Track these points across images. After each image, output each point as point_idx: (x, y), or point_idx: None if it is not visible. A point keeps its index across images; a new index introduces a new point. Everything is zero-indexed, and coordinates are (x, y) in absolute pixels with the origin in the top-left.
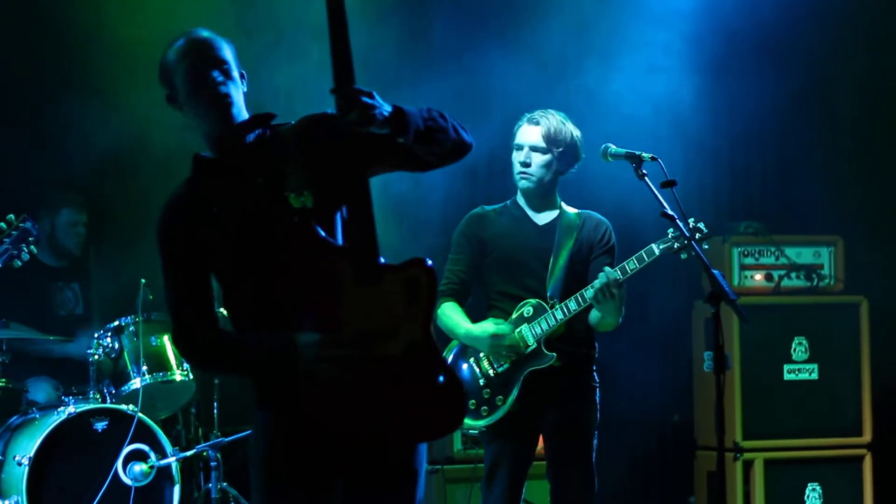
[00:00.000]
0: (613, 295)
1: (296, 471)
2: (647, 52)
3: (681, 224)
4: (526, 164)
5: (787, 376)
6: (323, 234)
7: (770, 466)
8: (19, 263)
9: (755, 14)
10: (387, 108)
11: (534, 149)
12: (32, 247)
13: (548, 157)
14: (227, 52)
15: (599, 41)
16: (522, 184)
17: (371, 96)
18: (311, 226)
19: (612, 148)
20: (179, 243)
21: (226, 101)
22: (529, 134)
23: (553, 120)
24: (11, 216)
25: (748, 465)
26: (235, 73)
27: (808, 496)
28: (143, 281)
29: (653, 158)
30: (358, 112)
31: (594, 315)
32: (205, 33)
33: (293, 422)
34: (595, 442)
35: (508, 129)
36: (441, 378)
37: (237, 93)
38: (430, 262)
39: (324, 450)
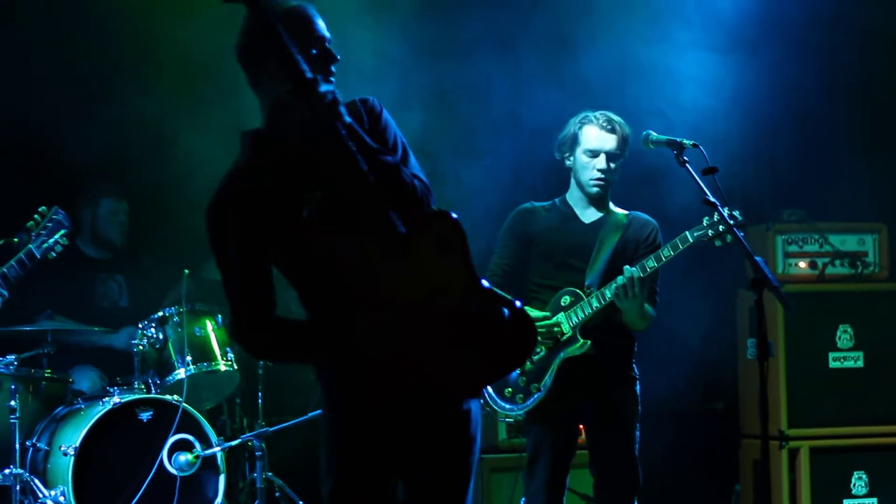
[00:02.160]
0: (635, 294)
1: (361, 430)
2: (686, 35)
3: (723, 211)
4: (603, 171)
5: (832, 364)
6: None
7: (816, 455)
8: (54, 255)
9: None
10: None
11: (610, 156)
12: (65, 238)
13: (620, 162)
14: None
15: (644, 18)
16: (595, 190)
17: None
18: (364, 203)
19: (654, 135)
20: (233, 230)
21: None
22: (606, 141)
23: (623, 127)
24: (43, 208)
25: (794, 454)
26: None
27: (854, 484)
28: (186, 272)
29: (694, 146)
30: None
31: (624, 315)
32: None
33: (356, 382)
34: (637, 434)
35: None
36: (505, 310)
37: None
38: (454, 215)
39: (388, 409)
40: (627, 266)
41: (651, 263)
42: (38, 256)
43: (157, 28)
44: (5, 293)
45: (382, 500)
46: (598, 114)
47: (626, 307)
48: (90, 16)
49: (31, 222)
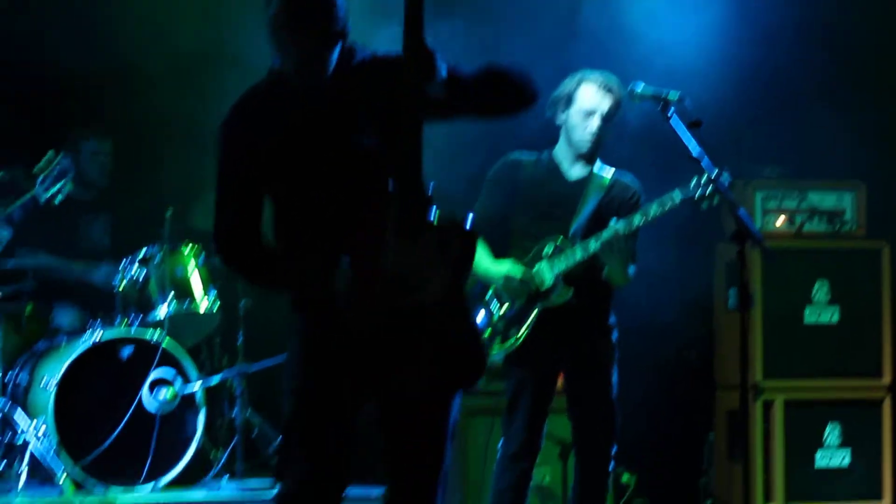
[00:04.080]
0: (620, 248)
1: (327, 371)
2: None
3: (706, 166)
4: (597, 131)
5: (807, 319)
6: (379, 177)
7: (790, 407)
8: (59, 200)
9: None
10: (443, 70)
11: (605, 117)
12: (69, 185)
13: (613, 122)
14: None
15: None
16: (587, 147)
17: (433, 55)
18: (371, 165)
19: (639, 88)
20: (239, 148)
21: (322, 69)
22: (602, 101)
23: (620, 88)
24: (50, 153)
25: (768, 405)
26: (339, 28)
27: (827, 436)
28: (168, 211)
29: (680, 99)
30: (417, 68)
31: (605, 270)
32: None
33: (327, 326)
34: (615, 379)
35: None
36: (458, 340)
37: (334, 51)
38: (468, 226)
39: (356, 359)
40: (613, 219)
41: (637, 219)
42: (42, 203)
43: None
44: (6, 234)
45: (340, 427)
46: (595, 74)
47: (611, 261)
48: None
49: (37, 168)
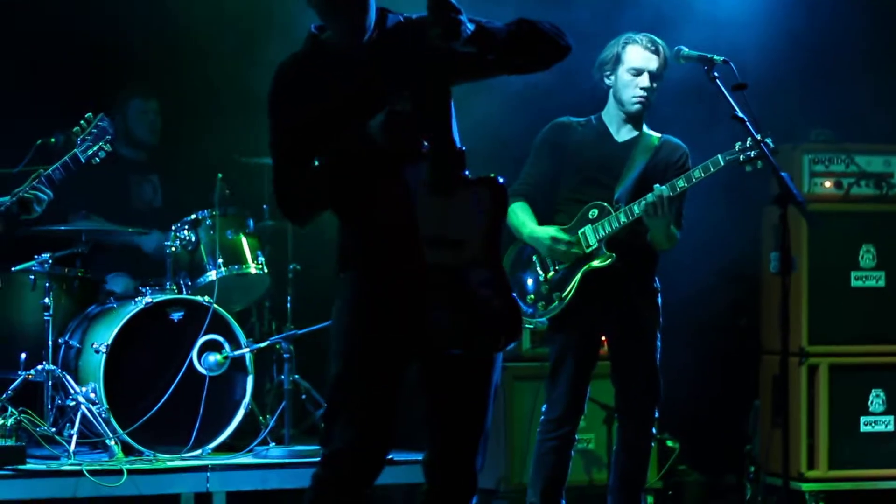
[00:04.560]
0: (664, 212)
1: (372, 332)
2: None
3: (750, 126)
4: (646, 89)
5: (854, 283)
6: (412, 135)
7: (835, 372)
8: (97, 160)
9: None
10: (469, 28)
11: (653, 76)
12: (109, 145)
13: (659, 83)
14: None
15: None
16: (636, 107)
17: (458, 14)
18: (403, 125)
19: (685, 50)
20: (284, 114)
21: (362, 28)
22: (650, 61)
23: (665, 48)
24: (90, 115)
25: (813, 371)
26: None
27: (871, 402)
28: (220, 175)
29: (724, 62)
30: (443, 28)
31: (649, 235)
32: None
33: (374, 283)
34: (658, 344)
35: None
36: (494, 299)
37: (370, 12)
38: (501, 180)
39: (401, 317)
40: (657, 184)
41: (681, 183)
42: (83, 161)
43: None
44: (50, 193)
45: (385, 390)
46: (641, 35)
47: (654, 225)
48: None
49: (77, 127)
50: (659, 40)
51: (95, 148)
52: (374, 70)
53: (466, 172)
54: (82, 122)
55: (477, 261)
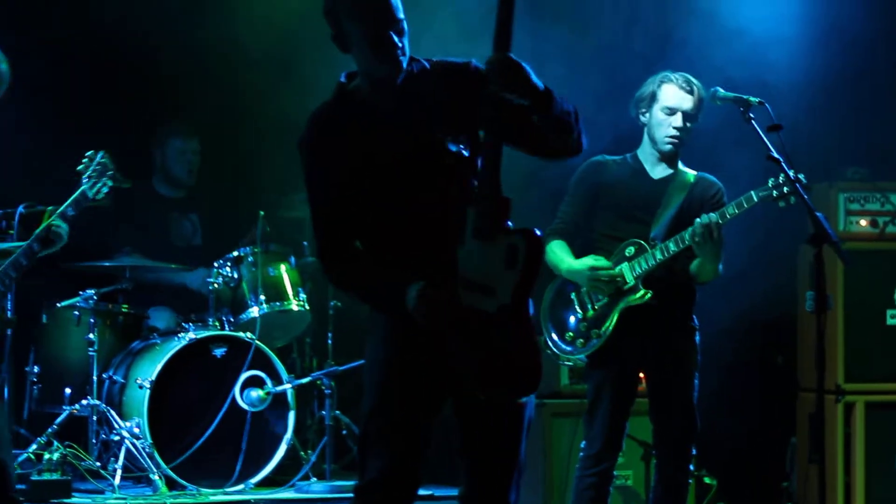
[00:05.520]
0: (713, 237)
1: (405, 369)
2: None
3: (786, 167)
4: (679, 129)
5: (889, 321)
6: (454, 179)
7: (871, 410)
8: (101, 196)
9: None
10: (538, 84)
11: (687, 116)
12: (110, 181)
13: (695, 124)
14: (400, 5)
15: None
16: (668, 147)
17: (522, 68)
18: (453, 168)
19: (721, 91)
20: (320, 162)
21: (399, 62)
22: (684, 100)
23: (700, 89)
24: (91, 152)
25: (849, 408)
26: (406, 25)
27: None
28: (261, 213)
29: (760, 103)
30: (505, 79)
31: (695, 264)
32: None
33: (405, 326)
34: (696, 382)
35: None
36: (517, 351)
37: (406, 46)
38: (538, 233)
39: (432, 352)
40: (704, 214)
41: (714, 219)
42: (91, 197)
43: None
44: (67, 228)
45: (416, 421)
46: (677, 74)
47: (705, 252)
48: None
49: (81, 166)
50: (695, 81)
51: (100, 184)
52: (409, 112)
53: (509, 223)
54: (84, 160)
55: (506, 310)
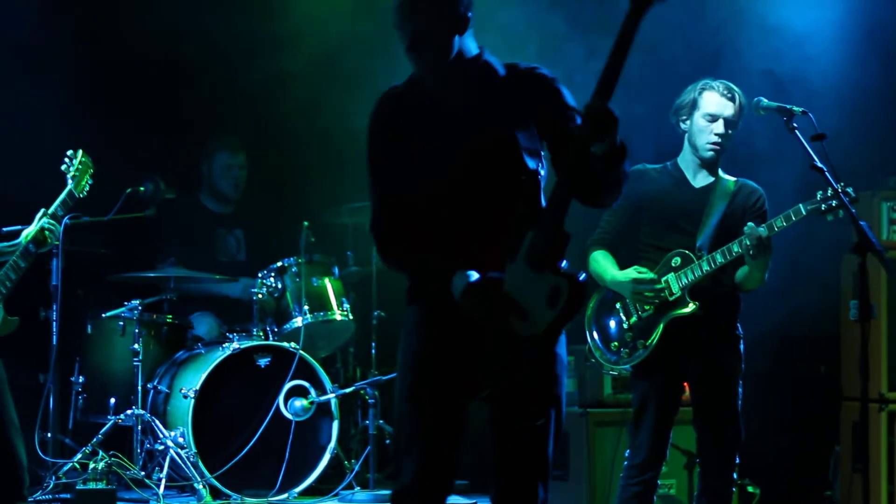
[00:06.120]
0: (765, 248)
1: (436, 367)
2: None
3: (830, 177)
4: (720, 136)
5: None
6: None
7: None
8: (85, 194)
9: None
10: (616, 138)
11: (728, 123)
12: (91, 178)
13: (735, 131)
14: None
15: None
16: (709, 154)
17: (616, 120)
18: (523, 183)
19: (764, 101)
20: (381, 141)
21: (436, 67)
22: (726, 107)
23: (741, 96)
24: (71, 152)
25: (893, 417)
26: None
27: None
28: (305, 223)
29: (803, 113)
30: (600, 128)
31: (741, 272)
32: None
33: (437, 323)
34: (740, 391)
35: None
36: (534, 379)
37: (450, 35)
38: (582, 278)
39: (460, 354)
40: (752, 224)
41: (762, 232)
42: (77, 195)
43: None
44: (59, 229)
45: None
46: (718, 81)
47: (755, 264)
48: None
49: (64, 166)
50: (736, 88)
51: (83, 182)
52: (473, 108)
53: (564, 262)
54: (65, 160)
55: (535, 340)
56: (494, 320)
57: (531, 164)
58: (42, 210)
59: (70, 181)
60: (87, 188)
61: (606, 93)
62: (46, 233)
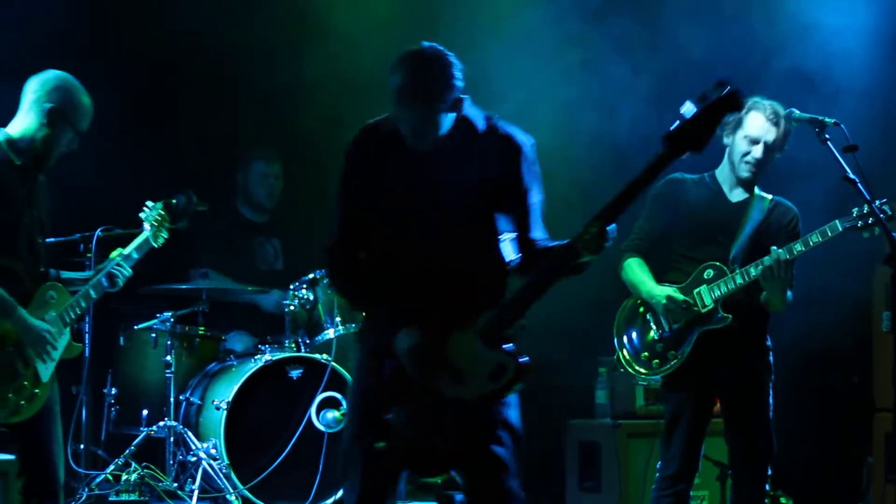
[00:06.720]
0: (782, 275)
1: (371, 405)
2: (827, 9)
3: (863, 189)
4: (759, 159)
5: None
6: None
7: None
8: (159, 244)
9: None
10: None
11: (768, 147)
12: (167, 233)
13: (781, 153)
14: (446, 86)
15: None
16: (745, 175)
17: (607, 241)
18: (489, 243)
19: (797, 113)
20: (355, 169)
21: (432, 135)
22: (769, 132)
23: (788, 122)
24: (150, 202)
25: None
26: (451, 101)
27: None
28: None
29: (836, 124)
30: (598, 248)
31: (763, 296)
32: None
33: (377, 365)
34: (771, 401)
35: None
36: (446, 438)
37: (442, 121)
38: (525, 360)
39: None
40: (774, 247)
41: (798, 247)
42: (152, 245)
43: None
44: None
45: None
46: (766, 103)
47: (771, 287)
48: None
49: (143, 213)
50: (782, 111)
51: (161, 234)
52: (450, 167)
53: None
54: (145, 208)
55: (460, 405)
56: (427, 381)
57: (500, 240)
58: (118, 250)
59: (147, 228)
60: (163, 241)
61: (611, 217)
62: (118, 276)
